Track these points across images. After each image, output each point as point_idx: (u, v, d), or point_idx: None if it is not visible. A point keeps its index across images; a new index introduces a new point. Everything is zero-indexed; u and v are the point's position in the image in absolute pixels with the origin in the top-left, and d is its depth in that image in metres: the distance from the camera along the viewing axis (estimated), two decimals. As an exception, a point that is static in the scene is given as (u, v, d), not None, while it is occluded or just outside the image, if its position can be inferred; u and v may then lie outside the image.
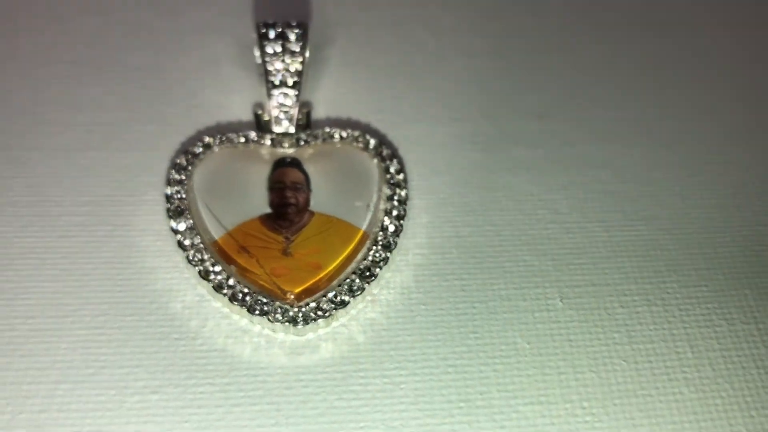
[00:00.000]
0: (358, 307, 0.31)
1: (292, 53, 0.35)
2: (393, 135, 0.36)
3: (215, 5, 0.40)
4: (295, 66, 0.35)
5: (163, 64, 0.38)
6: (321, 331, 0.30)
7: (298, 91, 0.35)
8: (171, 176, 0.33)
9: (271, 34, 0.36)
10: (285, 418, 0.28)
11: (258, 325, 0.30)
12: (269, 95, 0.35)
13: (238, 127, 0.35)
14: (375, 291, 0.31)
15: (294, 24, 0.36)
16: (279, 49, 0.35)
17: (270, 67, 0.35)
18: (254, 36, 0.36)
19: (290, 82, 0.35)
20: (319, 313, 0.30)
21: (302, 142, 0.35)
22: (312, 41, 0.36)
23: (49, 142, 0.35)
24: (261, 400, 0.28)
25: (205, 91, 0.37)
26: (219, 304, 0.30)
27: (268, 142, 0.34)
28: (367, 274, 0.31)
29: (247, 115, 0.36)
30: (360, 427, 0.28)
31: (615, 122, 0.37)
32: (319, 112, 0.37)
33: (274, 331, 0.30)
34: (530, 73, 0.39)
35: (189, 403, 0.28)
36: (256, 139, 0.34)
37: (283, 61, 0.35)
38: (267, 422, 0.28)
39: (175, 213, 0.32)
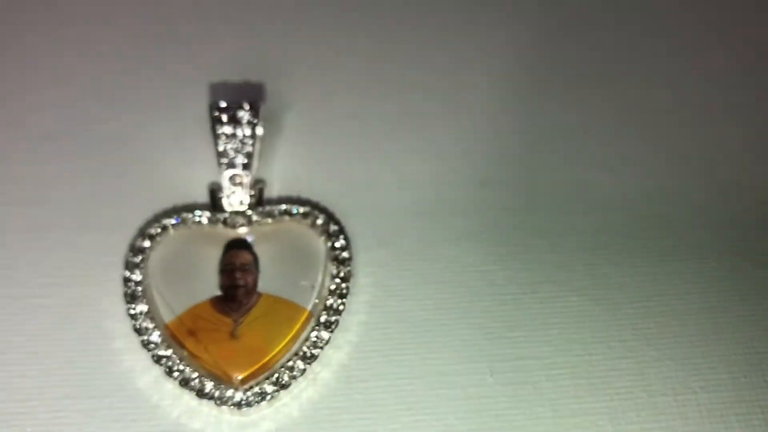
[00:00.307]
0: (300, 386, 0.33)
1: (244, 135, 0.37)
2: (343, 204, 0.38)
3: (176, 81, 0.42)
4: (247, 147, 0.37)
5: (126, 138, 0.40)
6: (263, 412, 0.32)
7: (249, 170, 0.37)
8: (129, 259, 0.35)
9: (224, 117, 0.37)
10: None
11: (207, 407, 0.32)
12: (222, 175, 0.37)
13: (194, 207, 0.37)
14: (316, 370, 0.33)
15: (245, 105, 0.38)
16: (230, 131, 0.37)
17: (222, 148, 0.37)
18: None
19: (241, 161, 0.37)
20: (262, 396, 0.32)
21: (254, 221, 0.37)
22: (265, 111, 0.38)
23: (13, 223, 0.37)
24: (210, 479, 0.31)
25: (166, 167, 0.39)
26: (171, 385, 0.33)
27: (221, 221, 0.37)
28: (309, 355, 0.33)
29: (205, 193, 0.38)
30: (298, 505, 0.30)
31: (552, 189, 0.39)
32: (272, 187, 0.39)
33: (221, 412, 0.32)
34: (474, 138, 0.41)
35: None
36: (210, 218, 0.37)
37: (234, 141, 0.37)
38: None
39: (132, 297, 0.34)
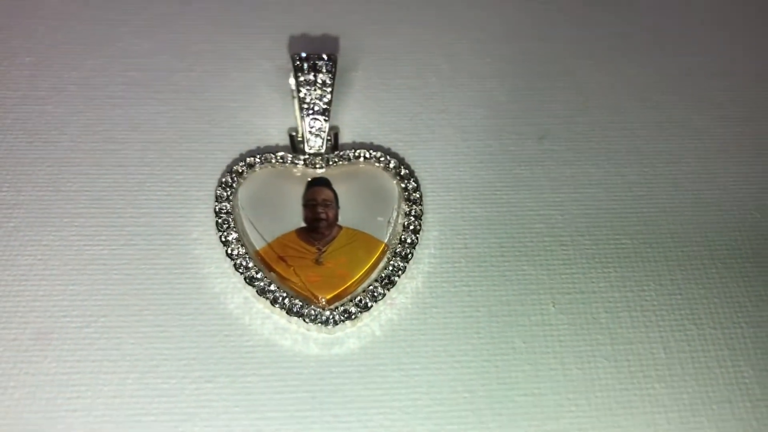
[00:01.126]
0: (379, 309, 0.36)
1: (323, 83, 0.40)
2: (410, 154, 0.41)
3: (256, 32, 0.45)
4: (326, 95, 0.40)
5: (208, 86, 0.43)
6: (348, 330, 0.35)
7: (328, 116, 0.40)
8: (218, 193, 0.38)
9: (305, 66, 0.40)
10: (319, 404, 0.33)
11: (295, 325, 0.35)
12: (302, 120, 0.40)
13: (275, 149, 0.40)
14: (393, 296, 0.36)
15: (325, 57, 0.41)
16: (311, 78, 0.40)
17: (303, 96, 0.40)
18: (289, 65, 0.41)
19: (321, 108, 0.40)
20: (346, 315, 0.35)
21: (331, 163, 0.40)
22: (339, 67, 0.41)
23: (109, 159, 0.40)
24: (298, 389, 0.34)
25: (245, 113, 0.42)
26: (261, 305, 0.36)
27: (301, 162, 0.39)
28: (387, 282, 0.36)
29: (282, 137, 0.41)
30: (380, 413, 0.33)
31: (608, 144, 0.42)
32: (344, 135, 0.42)
33: (308, 330, 0.35)
34: (534, 96, 0.44)
35: (238, 391, 0.33)
36: (291, 159, 0.39)
37: (315, 89, 0.40)
38: (304, 407, 0.33)
39: (223, 226, 0.37)
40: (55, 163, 0.40)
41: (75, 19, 0.45)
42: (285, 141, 0.41)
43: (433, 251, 0.38)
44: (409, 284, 0.37)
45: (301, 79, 0.40)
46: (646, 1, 0.48)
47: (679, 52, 0.46)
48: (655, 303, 0.37)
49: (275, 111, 0.42)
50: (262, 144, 0.41)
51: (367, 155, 0.40)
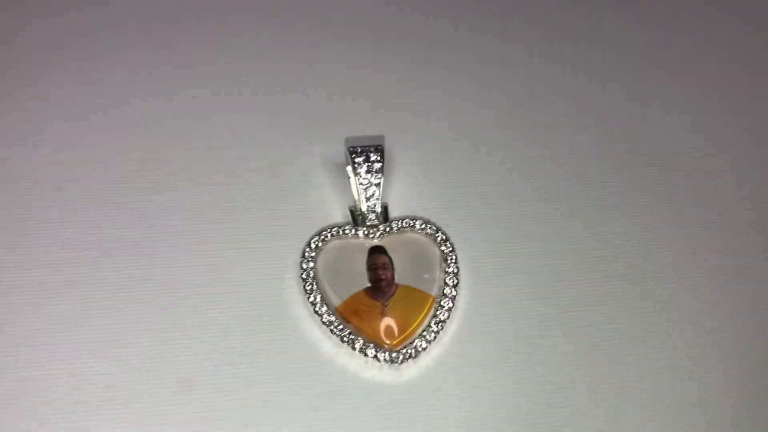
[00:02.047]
0: (432, 348, 0.48)
1: (375, 169, 0.52)
2: (443, 219, 0.53)
3: (311, 126, 0.56)
4: (377, 177, 0.52)
5: (282, 170, 0.54)
6: (410, 367, 0.47)
7: (379, 194, 0.52)
8: (303, 263, 0.49)
9: (359, 156, 0.52)
10: (396, 422, 0.45)
11: (369, 364, 0.47)
12: (359, 198, 0.51)
13: (342, 224, 0.52)
14: (441, 336, 0.48)
15: (374, 147, 0.52)
16: (365, 165, 0.52)
17: (360, 179, 0.51)
18: (342, 154, 0.52)
19: (374, 189, 0.52)
20: (408, 355, 0.47)
21: (385, 232, 0.51)
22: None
23: (214, 237, 0.51)
24: (378, 410, 0.45)
25: (315, 192, 0.53)
26: (344, 351, 0.47)
27: (362, 233, 0.51)
28: (438, 328, 0.48)
29: (342, 212, 0.53)
30: (438, 428, 0.45)
31: (600, 202, 0.54)
32: (393, 208, 0.53)
33: (380, 368, 0.47)
34: (537, 163, 0.55)
35: (338, 415, 0.45)
36: (354, 231, 0.51)
37: (368, 174, 0.52)
38: (384, 424, 0.45)
39: (309, 289, 0.48)
40: (168, 244, 0.51)
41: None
42: (343, 216, 0.52)
43: (468, 299, 0.50)
44: (451, 327, 0.49)
45: (357, 166, 0.52)
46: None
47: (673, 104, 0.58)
48: (643, 330, 0.49)
49: (336, 190, 0.54)
50: (329, 217, 0.53)
51: (414, 225, 0.51)
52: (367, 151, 0.52)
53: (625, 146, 0.56)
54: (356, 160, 0.52)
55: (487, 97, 0.58)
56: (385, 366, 0.47)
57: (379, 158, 0.52)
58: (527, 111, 0.58)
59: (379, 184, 0.52)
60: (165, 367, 0.47)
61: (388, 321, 0.48)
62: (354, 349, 0.47)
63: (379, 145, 0.52)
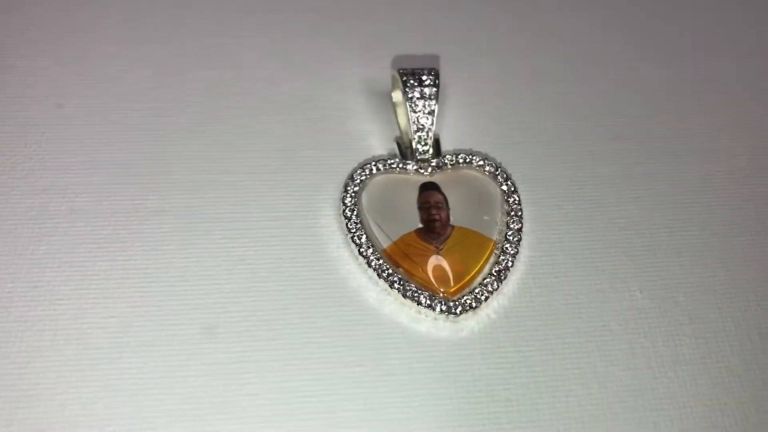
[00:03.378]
0: (494, 299, 0.41)
1: (429, 95, 0.45)
2: (501, 156, 0.46)
3: (358, 49, 0.49)
4: (430, 104, 0.45)
5: (313, 96, 0.48)
6: (469, 319, 0.41)
7: (432, 125, 0.45)
8: (345, 199, 0.43)
9: (411, 80, 0.45)
10: (452, 381, 0.39)
11: (423, 314, 0.41)
12: (410, 129, 0.45)
13: (389, 156, 0.45)
14: (504, 286, 0.42)
15: (428, 69, 0.45)
16: (418, 91, 0.45)
17: (411, 107, 0.45)
18: (390, 78, 0.46)
19: (426, 118, 0.45)
20: (468, 306, 0.40)
21: (439, 167, 0.45)
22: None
23: (237, 167, 0.45)
24: (433, 369, 0.39)
25: (353, 121, 0.47)
26: (393, 298, 0.41)
27: (412, 168, 0.45)
28: (499, 275, 0.41)
29: (386, 144, 0.46)
30: (505, 389, 0.39)
31: (674, 144, 0.48)
32: (444, 142, 0.46)
33: (435, 319, 0.41)
34: (607, 99, 0.49)
35: (385, 372, 0.39)
36: (403, 165, 0.44)
37: (421, 101, 0.45)
38: (439, 384, 0.39)
39: (354, 229, 0.42)
40: (186, 171, 0.44)
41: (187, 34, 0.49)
42: (386, 148, 0.46)
43: (532, 245, 0.43)
44: (514, 275, 0.42)
45: (408, 92, 0.45)
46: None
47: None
48: (725, 285, 0.43)
49: (380, 120, 0.47)
50: (368, 150, 0.46)
51: (468, 159, 0.45)
52: (419, 74, 0.45)
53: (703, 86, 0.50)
54: (408, 83, 0.45)
55: (551, 25, 0.52)
56: (441, 318, 0.40)
57: (433, 82, 0.45)
58: (592, 41, 0.52)
59: (432, 112, 0.45)
60: (184, 312, 0.40)
61: (442, 266, 0.41)
62: (405, 297, 0.40)
63: (434, 68, 0.46)
